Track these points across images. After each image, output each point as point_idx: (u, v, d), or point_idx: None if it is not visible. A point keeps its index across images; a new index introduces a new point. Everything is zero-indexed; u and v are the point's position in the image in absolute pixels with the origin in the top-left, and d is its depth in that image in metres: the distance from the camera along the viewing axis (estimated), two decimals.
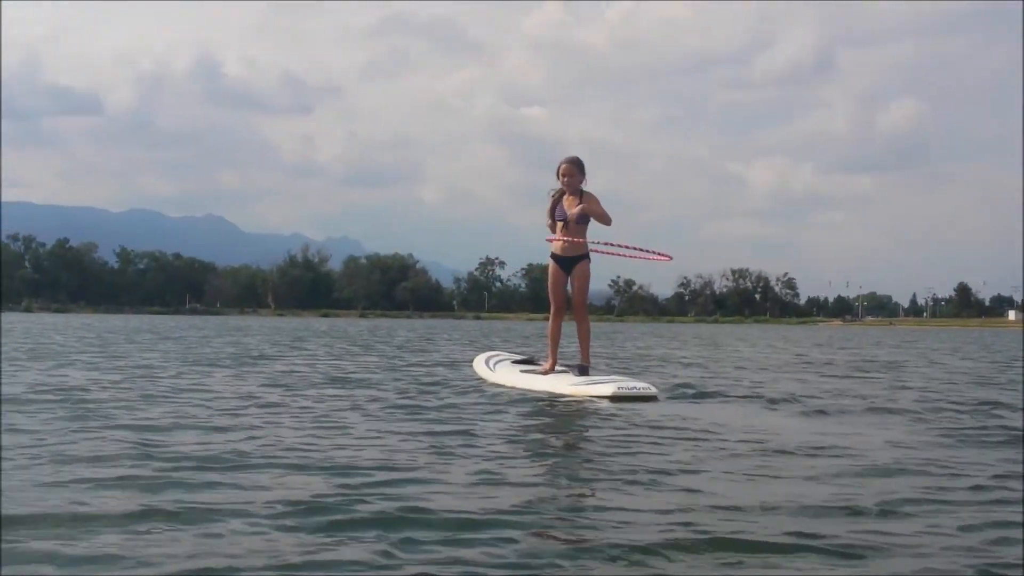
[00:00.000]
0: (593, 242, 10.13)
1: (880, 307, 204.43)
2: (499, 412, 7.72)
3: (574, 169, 10.08)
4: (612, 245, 10.00)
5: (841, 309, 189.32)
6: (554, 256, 10.23)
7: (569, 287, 10.25)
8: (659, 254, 10.25)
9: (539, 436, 6.43)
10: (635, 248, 10.03)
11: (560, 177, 10.11)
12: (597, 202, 9.99)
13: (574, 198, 10.05)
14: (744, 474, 5.05)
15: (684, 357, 18.94)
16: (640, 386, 9.17)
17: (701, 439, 6.27)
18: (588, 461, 5.42)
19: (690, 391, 10.02)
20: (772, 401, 9.00)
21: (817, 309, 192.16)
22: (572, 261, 10.14)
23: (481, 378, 10.94)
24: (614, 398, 8.80)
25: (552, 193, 10.20)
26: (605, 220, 10.00)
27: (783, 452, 5.81)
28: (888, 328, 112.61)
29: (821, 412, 8.13)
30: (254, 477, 4.71)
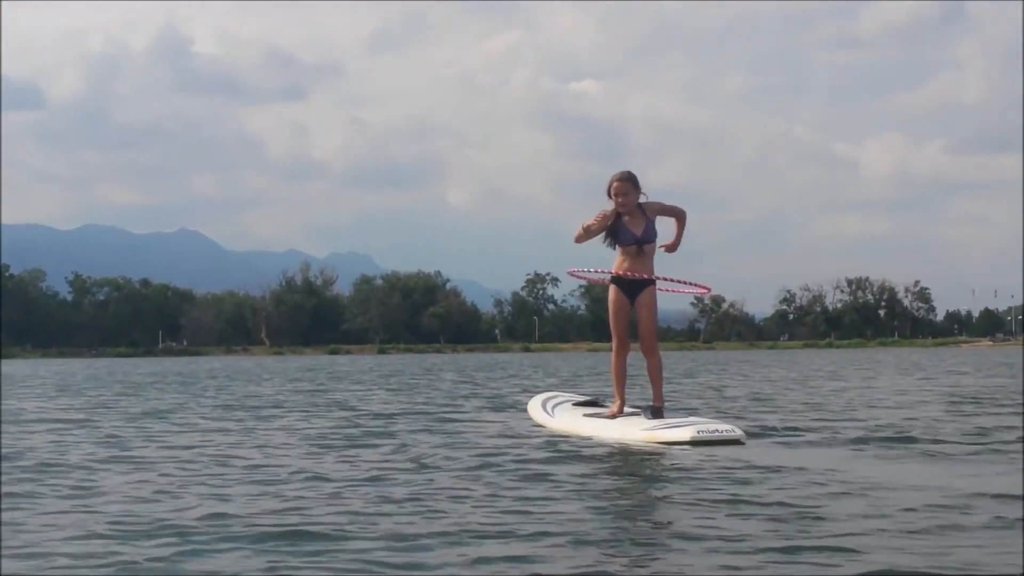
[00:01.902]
0: (593, 270, 11.12)
1: None
2: (558, 464, 8.56)
3: (628, 186, 10.83)
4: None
5: (990, 325, 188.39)
6: (615, 280, 11.02)
7: (635, 315, 11.08)
8: (697, 285, 11.18)
9: (605, 493, 7.24)
10: (668, 279, 10.98)
11: (612, 197, 10.88)
12: (659, 202, 10.87)
13: (636, 217, 10.86)
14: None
15: (780, 390, 19.65)
16: (723, 428, 10.02)
17: (784, 488, 7.07)
18: (659, 525, 6.16)
19: (784, 431, 10.81)
20: (889, 441, 9.80)
21: (959, 326, 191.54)
22: (638, 286, 10.94)
23: (538, 424, 11.78)
24: (694, 443, 9.64)
25: (606, 215, 10.92)
26: (678, 213, 10.93)
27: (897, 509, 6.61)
28: None
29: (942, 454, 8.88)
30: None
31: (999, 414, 13.36)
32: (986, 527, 5.69)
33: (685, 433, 9.86)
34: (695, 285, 11.33)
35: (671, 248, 10.92)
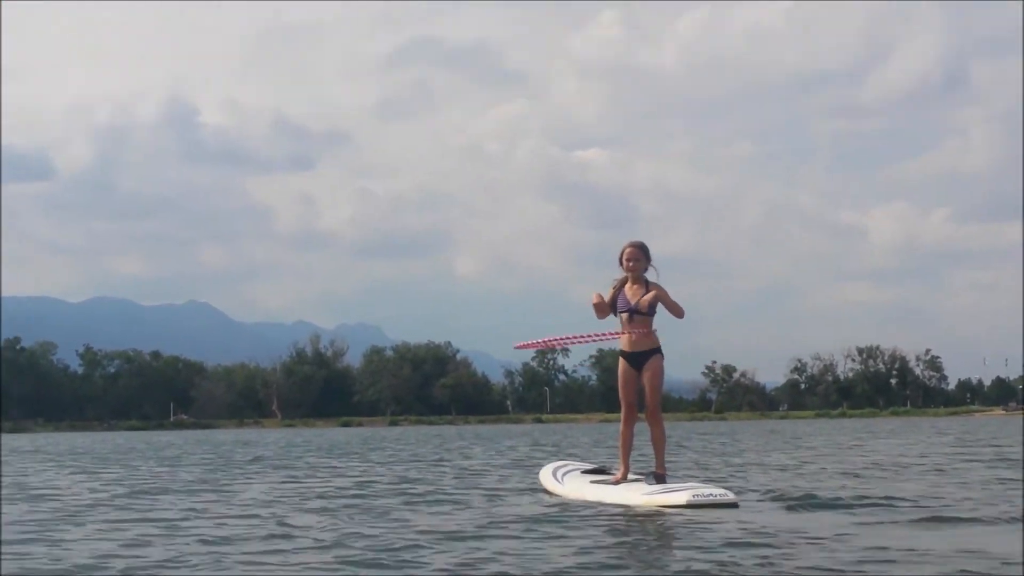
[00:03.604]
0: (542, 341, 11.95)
1: None
2: (560, 525, 9.35)
3: (639, 254, 11.72)
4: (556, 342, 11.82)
5: (1002, 394, 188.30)
6: (622, 353, 11.85)
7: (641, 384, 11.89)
8: (608, 334, 11.98)
9: (599, 553, 7.93)
10: (581, 337, 11.85)
11: (624, 263, 11.76)
12: (666, 292, 11.65)
13: (638, 286, 11.71)
14: None
15: (783, 458, 20.35)
16: (717, 493, 10.76)
17: (773, 552, 7.81)
18: None
19: (781, 496, 11.56)
20: (875, 506, 10.56)
21: (971, 395, 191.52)
22: (643, 356, 11.74)
23: (548, 491, 12.60)
24: (689, 506, 10.40)
25: (615, 283, 11.86)
26: (677, 311, 11.65)
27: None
28: None
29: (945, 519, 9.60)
30: None
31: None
32: None
33: (682, 497, 10.58)
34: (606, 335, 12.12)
35: (643, 306, 11.62)
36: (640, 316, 11.63)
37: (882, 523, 9.17)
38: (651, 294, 11.55)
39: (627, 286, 11.73)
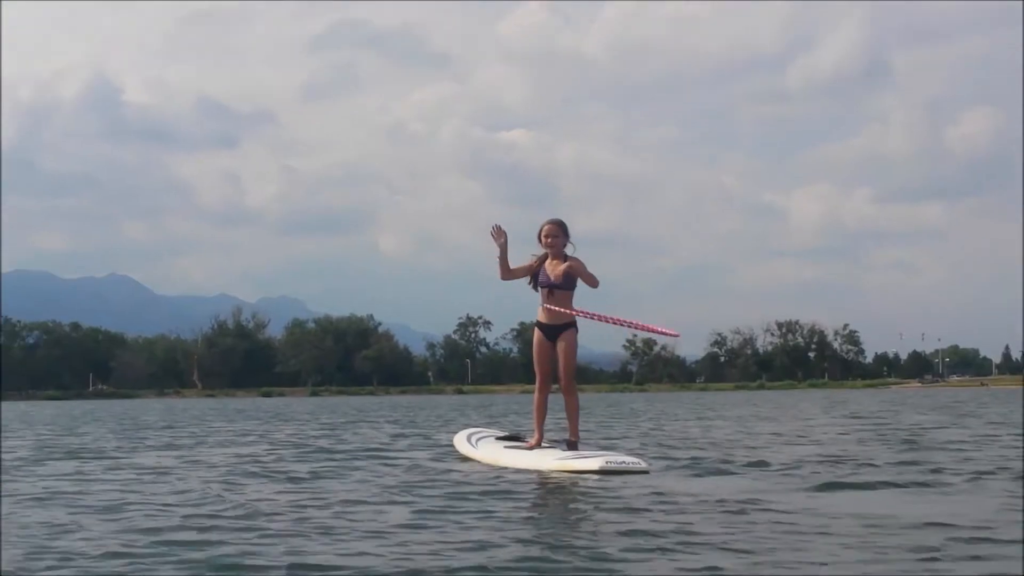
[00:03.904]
0: (580, 312, 12.07)
1: (965, 363, 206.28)
2: (475, 490, 9.55)
3: (558, 230, 12.00)
4: (610, 321, 11.90)
5: (918, 367, 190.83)
6: (539, 324, 12.13)
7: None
8: (665, 331, 12.23)
9: (514, 514, 8.15)
10: (637, 324, 11.98)
11: (543, 239, 12.03)
12: (582, 264, 11.89)
13: (557, 262, 11.95)
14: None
15: (694, 429, 20.71)
16: (629, 460, 11.02)
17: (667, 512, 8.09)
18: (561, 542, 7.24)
19: (688, 464, 11.86)
20: (774, 470, 10.87)
21: (888, 368, 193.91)
22: (558, 329, 12.01)
23: (463, 456, 12.83)
24: (601, 472, 10.65)
25: (533, 258, 12.10)
26: (592, 282, 11.87)
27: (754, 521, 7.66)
28: (982, 390, 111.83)
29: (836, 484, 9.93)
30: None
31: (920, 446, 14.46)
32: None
33: (594, 463, 10.84)
34: (663, 332, 12.34)
35: (557, 278, 11.86)
36: (560, 291, 11.87)
37: (785, 489, 9.48)
38: (565, 265, 11.78)
39: (547, 262, 11.98)
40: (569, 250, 12.02)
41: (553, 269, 11.89)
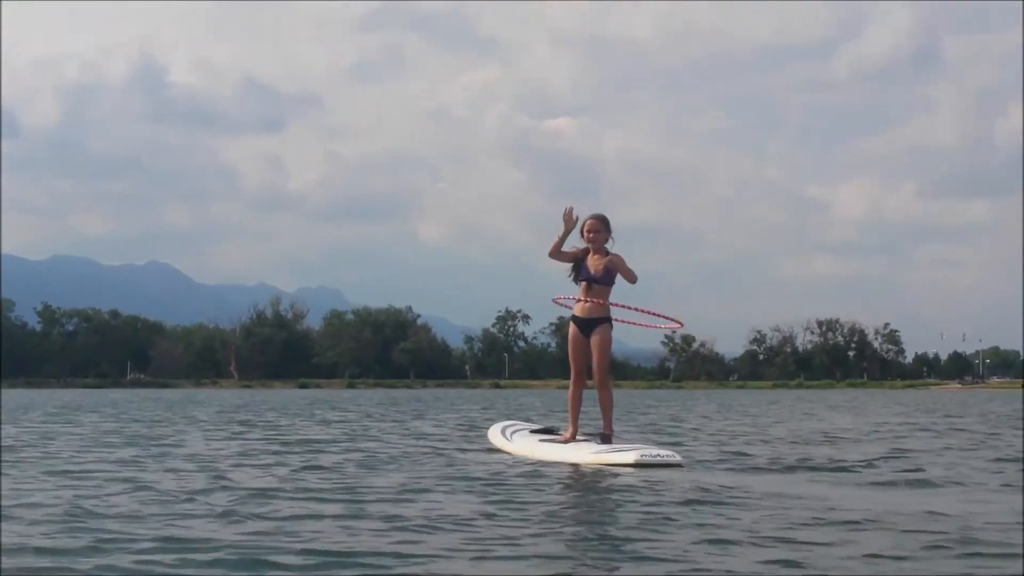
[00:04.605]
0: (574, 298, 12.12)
1: (1006, 365, 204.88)
2: (513, 482, 9.56)
3: (600, 225, 12.08)
4: (617, 306, 11.99)
5: (958, 368, 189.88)
6: (574, 318, 12.19)
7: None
8: (670, 319, 12.26)
9: (549, 506, 8.13)
10: (642, 310, 12.04)
11: (584, 234, 12.10)
12: (623, 260, 11.90)
13: (599, 256, 11.97)
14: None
15: (731, 426, 20.67)
16: (664, 454, 11.03)
17: (712, 509, 8.07)
18: (600, 538, 7.20)
19: (723, 460, 11.86)
20: (812, 470, 10.83)
21: (927, 369, 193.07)
22: (592, 323, 12.06)
23: (497, 449, 12.85)
24: (637, 466, 10.65)
25: (576, 251, 12.11)
26: (631, 277, 11.93)
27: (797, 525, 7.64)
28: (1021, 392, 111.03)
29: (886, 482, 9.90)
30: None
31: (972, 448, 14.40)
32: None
33: (629, 457, 10.86)
34: (669, 319, 12.42)
35: (599, 271, 11.91)
36: (598, 285, 11.94)
37: (818, 482, 9.45)
38: (606, 259, 11.83)
39: (589, 256, 12.04)
40: (609, 245, 12.07)
41: (595, 264, 11.92)
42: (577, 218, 12.00)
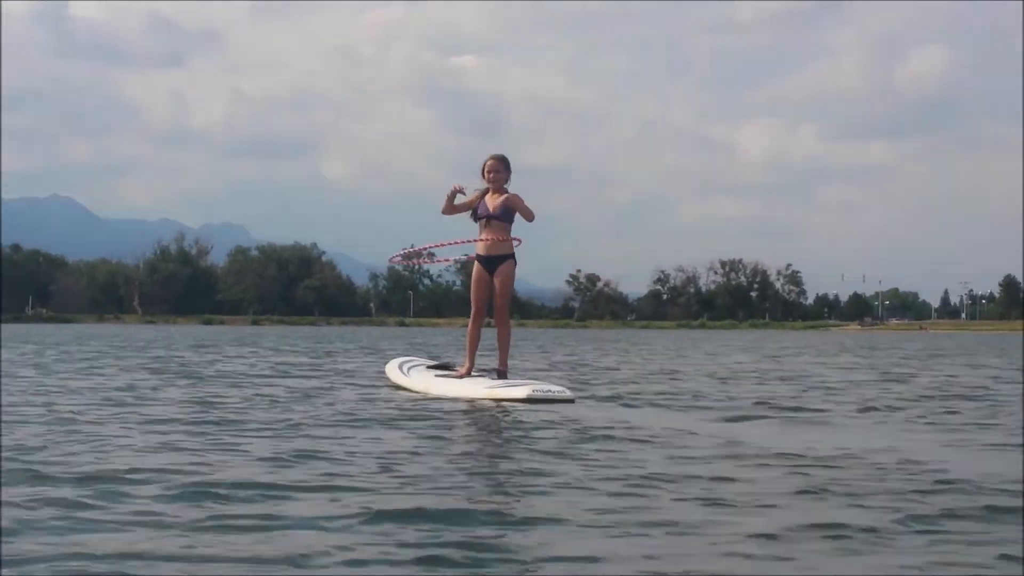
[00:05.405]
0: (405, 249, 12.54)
1: (905, 307, 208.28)
2: (404, 417, 9.84)
3: (500, 165, 12.42)
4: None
5: (858, 310, 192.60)
6: (478, 256, 12.48)
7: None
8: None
9: (440, 437, 8.41)
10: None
11: (485, 174, 12.41)
12: (520, 199, 12.23)
13: (498, 195, 12.28)
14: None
15: (620, 362, 21.13)
16: (555, 389, 11.36)
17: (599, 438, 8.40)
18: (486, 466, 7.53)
19: (610, 395, 12.23)
20: (687, 406, 11.21)
21: (828, 310, 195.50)
22: (496, 261, 12.36)
23: (394, 384, 13.13)
24: (529, 401, 10.96)
25: (476, 192, 12.41)
26: (529, 216, 12.30)
27: (641, 441, 7.99)
28: (920, 334, 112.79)
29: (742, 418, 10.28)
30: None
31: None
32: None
33: (521, 392, 11.17)
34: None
35: (496, 208, 12.24)
36: (496, 222, 12.23)
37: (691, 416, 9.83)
38: (503, 198, 12.13)
39: (487, 195, 12.35)
40: (508, 185, 12.41)
41: (492, 201, 12.21)
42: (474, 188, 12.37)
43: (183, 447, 7.34)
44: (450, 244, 12.66)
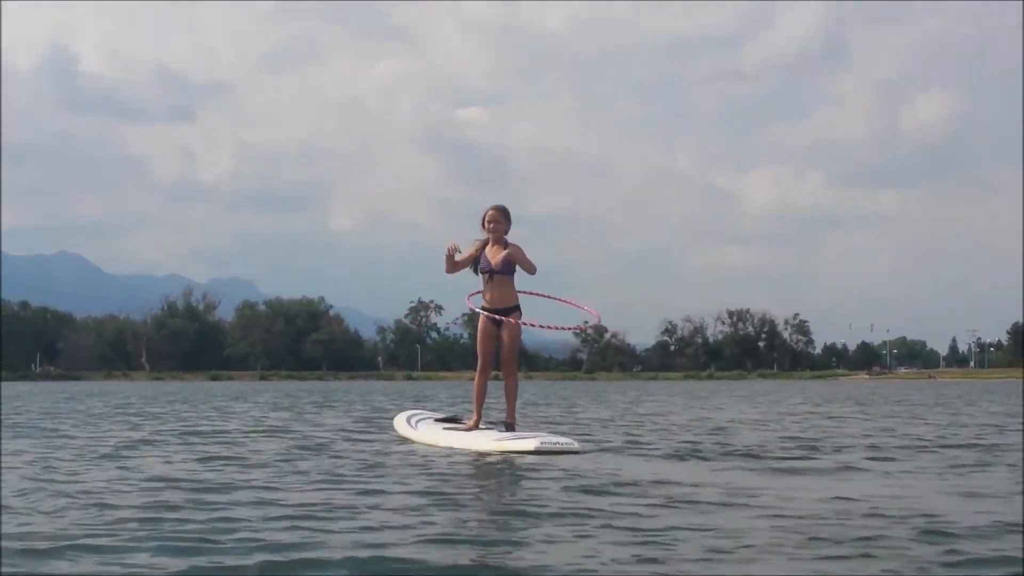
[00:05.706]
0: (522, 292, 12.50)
1: (913, 355, 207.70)
2: (416, 470, 9.87)
3: (500, 216, 12.43)
4: (532, 294, 12.44)
5: (866, 359, 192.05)
6: (484, 309, 12.49)
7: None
8: (584, 308, 12.72)
9: (450, 490, 8.45)
10: (557, 299, 12.47)
11: (485, 225, 12.42)
12: (522, 251, 12.27)
13: (498, 247, 12.32)
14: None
15: (631, 415, 21.13)
16: (563, 441, 11.41)
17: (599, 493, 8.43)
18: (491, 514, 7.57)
19: (619, 446, 12.26)
20: (703, 455, 11.23)
21: (836, 359, 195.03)
22: (502, 313, 12.39)
23: (402, 437, 13.17)
24: (537, 453, 11.01)
25: (476, 244, 12.46)
26: (530, 268, 12.32)
27: (671, 503, 8.02)
28: (930, 383, 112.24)
29: (752, 457, 10.31)
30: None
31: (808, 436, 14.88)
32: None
33: (529, 444, 11.22)
34: (583, 308, 12.94)
35: (497, 265, 12.29)
36: (499, 276, 12.27)
37: (704, 465, 9.84)
38: (504, 252, 12.19)
39: (488, 247, 12.39)
40: (509, 239, 12.41)
41: (494, 255, 12.28)
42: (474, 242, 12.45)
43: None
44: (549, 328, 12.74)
